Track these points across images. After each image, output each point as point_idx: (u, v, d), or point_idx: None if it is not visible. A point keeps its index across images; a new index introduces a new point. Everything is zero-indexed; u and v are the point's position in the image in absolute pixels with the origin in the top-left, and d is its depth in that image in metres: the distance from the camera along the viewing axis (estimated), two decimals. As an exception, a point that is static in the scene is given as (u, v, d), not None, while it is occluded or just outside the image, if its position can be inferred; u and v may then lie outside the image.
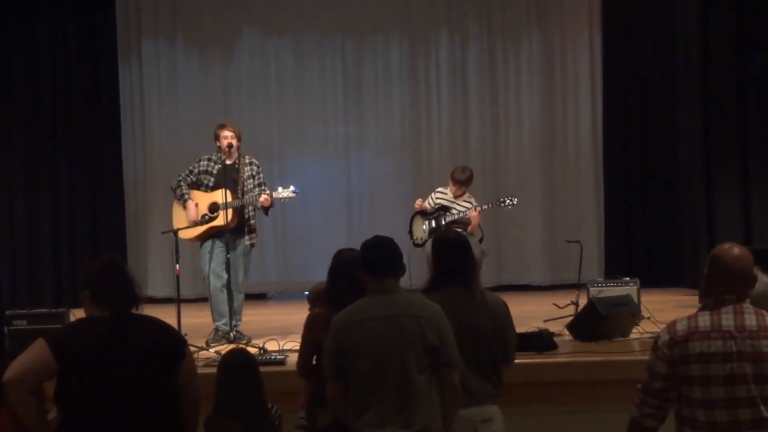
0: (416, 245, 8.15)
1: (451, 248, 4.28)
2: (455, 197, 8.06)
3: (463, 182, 8.01)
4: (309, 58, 10.81)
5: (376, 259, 3.82)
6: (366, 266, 3.83)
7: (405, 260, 3.90)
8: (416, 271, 6.75)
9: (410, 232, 8.30)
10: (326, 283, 4.40)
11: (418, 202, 8.24)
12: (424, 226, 8.13)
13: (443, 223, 7.96)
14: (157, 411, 3.47)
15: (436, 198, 8.15)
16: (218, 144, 7.14)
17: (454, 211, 7.99)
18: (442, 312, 3.75)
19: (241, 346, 6.55)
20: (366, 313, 3.71)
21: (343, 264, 4.30)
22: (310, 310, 4.62)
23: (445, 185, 8.23)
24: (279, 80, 10.83)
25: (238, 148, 7.16)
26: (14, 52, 10.21)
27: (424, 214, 8.17)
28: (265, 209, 7.09)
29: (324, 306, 4.30)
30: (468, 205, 8.02)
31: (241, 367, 4.05)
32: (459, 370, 3.76)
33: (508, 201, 8.08)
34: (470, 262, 4.30)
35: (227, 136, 7.07)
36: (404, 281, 3.95)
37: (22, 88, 10.22)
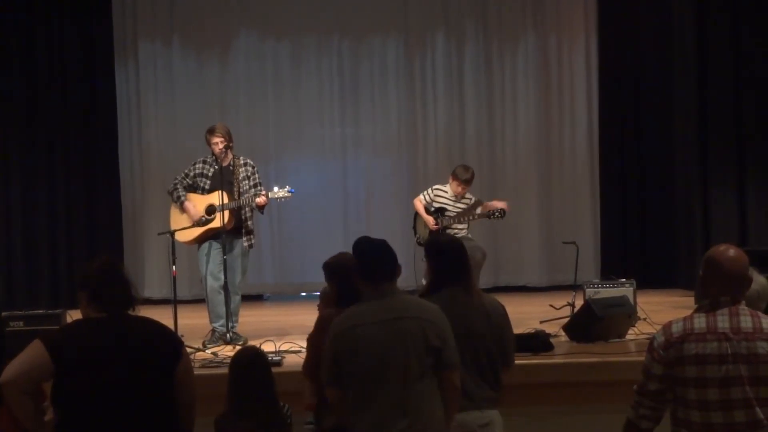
0: (420, 244, 8.15)
1: (446, 252, 4.28)
2: (456, 196, 8.05)
3: (467, 181, 8.02)
4: (306, 59, 10.81)
5: (370, 265, 3.79)
6: (361, 272, 3.80)
7: (410, 258, 3.90)
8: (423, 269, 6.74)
9: (414, 229, 8.31)
10: (334, 287, 4.40)
11: (418, 204, 8.23)
12: (426, 228, 8.12)
13: (444, 226, 7.96)
14: (154, 412, 3.47)
15: (435, 195, 8.14)
16: (211, 149, 7.15)
17: (452, 213, 8.01)
18: (442, 313, 3.74)
19: (237, 346, 6.56)
20: (363, 318, 3.69)
21: (340, 267, 4.33)
22: (319, 308, 4.62)
23: (442, 184, 8.24)
24: (276, 81, 10.83)
25: (232, 148, 7.16)
26: (11, 53, 10.20)
27: (425, 212, 8.17)
28: (260, 208, 7.10)
29: (335, 308, 4.30)
30: (467, 203, 8.05)
31: (253, 366, 4.06)
32: (459, 371, 3.76)
33: (497, 214, 8.02)
34: (466, 266, 4.30)
35: (217, 143, 7.07)
36: (410, 279, 3.92)
37: (19, 89, 10.21)
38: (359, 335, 3.64)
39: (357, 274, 3.82)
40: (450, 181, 8.11)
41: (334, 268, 4.42)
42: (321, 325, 4.35)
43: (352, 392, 3.65)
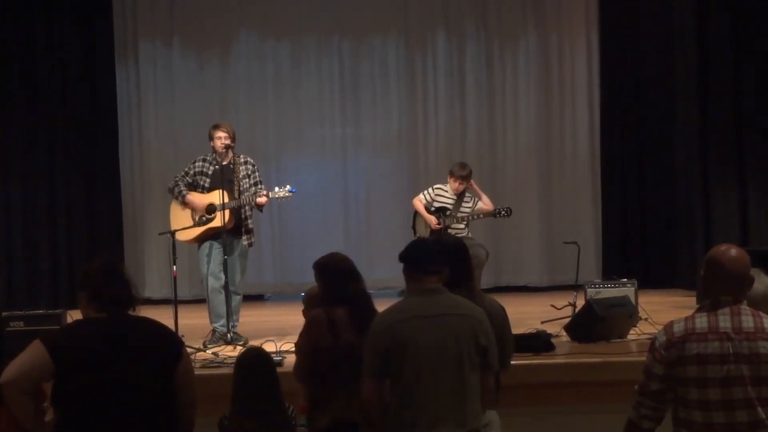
0: None
1: (450, 254, 4.29)
2: (456, 194, 8.06)
3: (464, 178, 8.04)
4: (306, 59, 10.81)
5: (420, 259, 3.83)
6: (410, 266, 3.83)
7: None
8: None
9: (413, 229, 8.31)
10: (321, 287, 4.40)
11: (418, 203, 8.23)
12: (427, 228, 8.12)
13: (445, 225, 7.97)
14: (154, 412, 3.47)
15: (435, 195, 8.15)
16: (213, 145, 7.15)
17: (454, 213, 8.01)
18: (486, 315, 3.81)
19: (238, 346, 6.56)
20: (414, 311, 3.72)
21: (339, 266, 4.35)
22: (304, 313, 4.61)
23: (442, 183, 8.24)
24: (276, 81, 10.84)
25: (233, 148, 7.16)
26: (11, 53, 10.19)
27: (426, 211, 8.17)
28: (260, 207, 7.10)
29: (322, 308, 4.31)
30: (468, 208, 8.05)
31: (258, 366, 4.06)
32: (494, 373, 3.81)
33: (503, 212, 8.06)
34: (469, 267, 4.32)
35: (221, 137, 7.08)
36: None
37: (19, 90, 10.21)
38: (413, 327, 3.66)
39: (405, 268, 3.85)
40: (448, 179, 8.12)
41: (323, 267, 4.42)
42: (310, 325, 4.34)
43: (402, 385, 3.65)
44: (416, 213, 8.28)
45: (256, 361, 4.10)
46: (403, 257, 3.88)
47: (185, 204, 7.14)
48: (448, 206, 8.09)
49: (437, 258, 3.85)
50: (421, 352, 3.63)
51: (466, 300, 3.88)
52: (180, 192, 7.16)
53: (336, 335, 4.18)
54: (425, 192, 8.25)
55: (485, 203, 8.16)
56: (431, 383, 3.62)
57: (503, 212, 8.05)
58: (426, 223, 8.11)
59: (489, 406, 3.90)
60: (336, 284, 4.33)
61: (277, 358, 5.94)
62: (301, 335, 4.41)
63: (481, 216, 8.18)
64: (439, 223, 8.00)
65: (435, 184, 8.38)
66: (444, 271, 3.85)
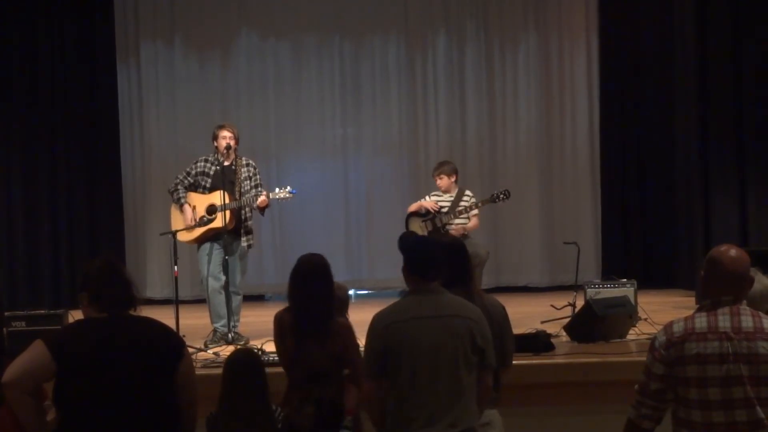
0: None
1: (449, 253, 4.30)
2: (446, 192, 8.08)
3: (441, 172, 8.06)
4: (306, 59, 10.82)
5: (420, 260, 3.85)
6: (410, 267, 3.85)
7: None
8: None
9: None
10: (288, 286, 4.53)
11: (415, 204, 8.25)
12: (423, 230, 8.11)
13: (441, 224, 7.97)
14: (155, 412, 3.47)
15: (432, 201, 8.15)
16: (216, 144, 7.16)
17: (458, 209, 8.00)
18: (483, 315, 3.83)
19: (239, 346, 6.57)
20: (412, 312, 3.74)
21: (299, 268, 4.56)
22: None
23: (436, 189, 8.25)
24: (277, 81, 10.85)
25: (236, 150, 7.17)
26: (13, 54, 10.21)
27: (418, 215, 8.17)
28: (261, 209, 7.11)
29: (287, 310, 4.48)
30: (466, 203, 8.04)
31: (247, 367, 4.07)
32: (492, 371, 3.85)
33: (502, 196, 8.05)
34: (468, 267, 4.33)
35: (226, 137, 7.09)
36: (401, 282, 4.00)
37: (21, 90, 10.22)
38: (410, 328, 3.69)
39: (404, 268, 3.87)
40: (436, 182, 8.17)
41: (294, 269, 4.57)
42: (275, 326, 4.51)
43: (399, 384, 3.67)
44: (408, 217, 8.24)
45: (244, 362, 4.12)
46: (406, 258, 3.89)
47: (182, 213, 7.15)
48: (445, 207, 8.09)
49: (439, 262, 3.86)
50: (417, 353, 3.65)
51: (465, 300, 3.89)
52: (179, 199, 7.17)
53: (283, 341, 4.41)
54: (423, 199, 8.27)
55: (472, 216, 8.10)
56: (427, 384, 3.64)
57: (502, 195, 8.03)
58: (421, 225, 8.11)
59: (488, 404, 3.93)
60: (290, 285, 4.54)
61: (277, 359, 5.96)
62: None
63: (480, 205, 8.13)
64: (438, 208, 8.02)
65: (435, 183, 8.37)
66: (443, 271, 3.87)
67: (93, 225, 10.42)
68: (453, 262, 4.24)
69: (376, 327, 3.77)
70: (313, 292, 4.43)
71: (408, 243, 3.99)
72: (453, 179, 8.13)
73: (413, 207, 8.23)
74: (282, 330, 4.46)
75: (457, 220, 8.01)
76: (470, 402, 3.71)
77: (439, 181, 8.13)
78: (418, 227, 8.14)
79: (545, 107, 10.87)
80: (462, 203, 8.05)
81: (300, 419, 4.12)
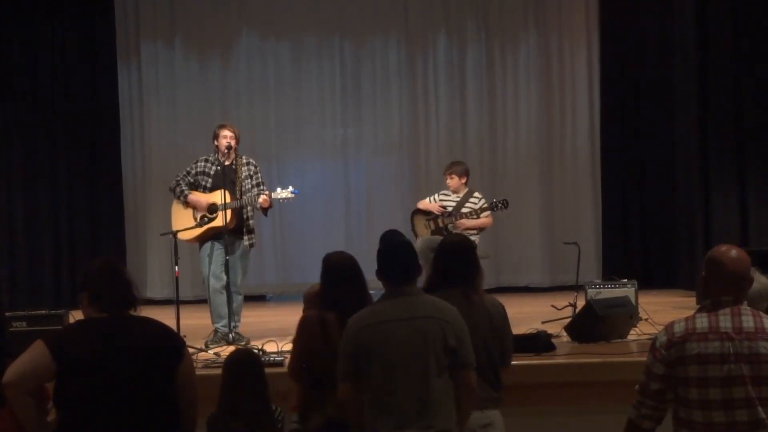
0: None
1: (457, 252, 4.31)
2: (455, 192, 8.08)
3: (452, 171, 8.06)
4: (307, 59, 10.83)
5: (392, 264, 3.84)
6: (382, 271, 3.84)
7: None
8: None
9: (413, 231, 8.31)
10: (320, 286, 4.41)
11: (422, 202, 8.27)
12: (427, 228, 8.12)
13: (443, 224, 7.97)
14: (156, 412, 3.48)
15: (440, 199, 8.17)
16: (216, 144, 7.16)
17: (463, 210, 8.00)
18: (459, 314, 3.79)
19: (239, 346, 6.56)
20: (384, 315, 3.73)
21: (334, 267, 4.33)
22: (304, 312, 4.63)
23: (446, 188, 8.25)
24: (277, 81, 10.85)
25: (236, 149, 7.17)
26: (13, 53, 10.22)
27: (423, 212, 8.18)
28: (264, 210, 7.10)
29: (317, 309, 4.32)
30: (473, 205, 8.03)
31: (246, 367, 4.06)
32: (474, 370, 3.79)
33: (500, 205, 8.05)
34: (475, 266, 4.33)
35: (227, 136, 7.09)
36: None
37: (22, 90, 10.23)
38: (380, 331, 3.68)
39: (378, 271, 3.86)
40: (445, 181, 8.16)
41: (324, 264, 4.40)
42: (303, 327, 4.35)
43: (370, 388, 3.67)
44: (413, 214, 8.26)
45: (244, 362, 4.12)
46: (377, 262, 3.87)
47: (187, 204, 7.15)
48: (450, 207, 8.10)
49: (410, 266, 3.83)
50: (386, 356, 3.64)
51: (441, 301, 3.86)
52: (182, 192, 7.16)
53: (327, 339, 4.18)
54: (430, 197, 8.27)
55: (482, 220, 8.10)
56: (398, 386, 3.63)
57: (500, 204, 8.03)
58: (425, 223, 8.11)
59: (474, 405, 3.87)
60: (329, 284, 4.34)
61: (278, 358, 5.97)
62: (295, 336, 4.42)
63: (480, 211, 8.13)
64: (442, 211, 8.01)
65: (435, 184, 8.41)
66: (417, 273, 3.85)
67: (93, 225, 10.42)
68: (458, 261, 4.25)
69: (347, 331, 3.77)
70: (359, 288, 4.34)
71: (381, 247, 3.97)
72: (463, 180, 8.12)
73: (422, 204, 8.24)
74: (326, 330, 4.22)
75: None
76: (444, 404, 3.67)
77: (449, 180, 8.12)
78: (423, 225, 8.16)
79: (545, 107, 10.86)
80: (468, 205, 8.05)
81: (344, 416, 3.96)
